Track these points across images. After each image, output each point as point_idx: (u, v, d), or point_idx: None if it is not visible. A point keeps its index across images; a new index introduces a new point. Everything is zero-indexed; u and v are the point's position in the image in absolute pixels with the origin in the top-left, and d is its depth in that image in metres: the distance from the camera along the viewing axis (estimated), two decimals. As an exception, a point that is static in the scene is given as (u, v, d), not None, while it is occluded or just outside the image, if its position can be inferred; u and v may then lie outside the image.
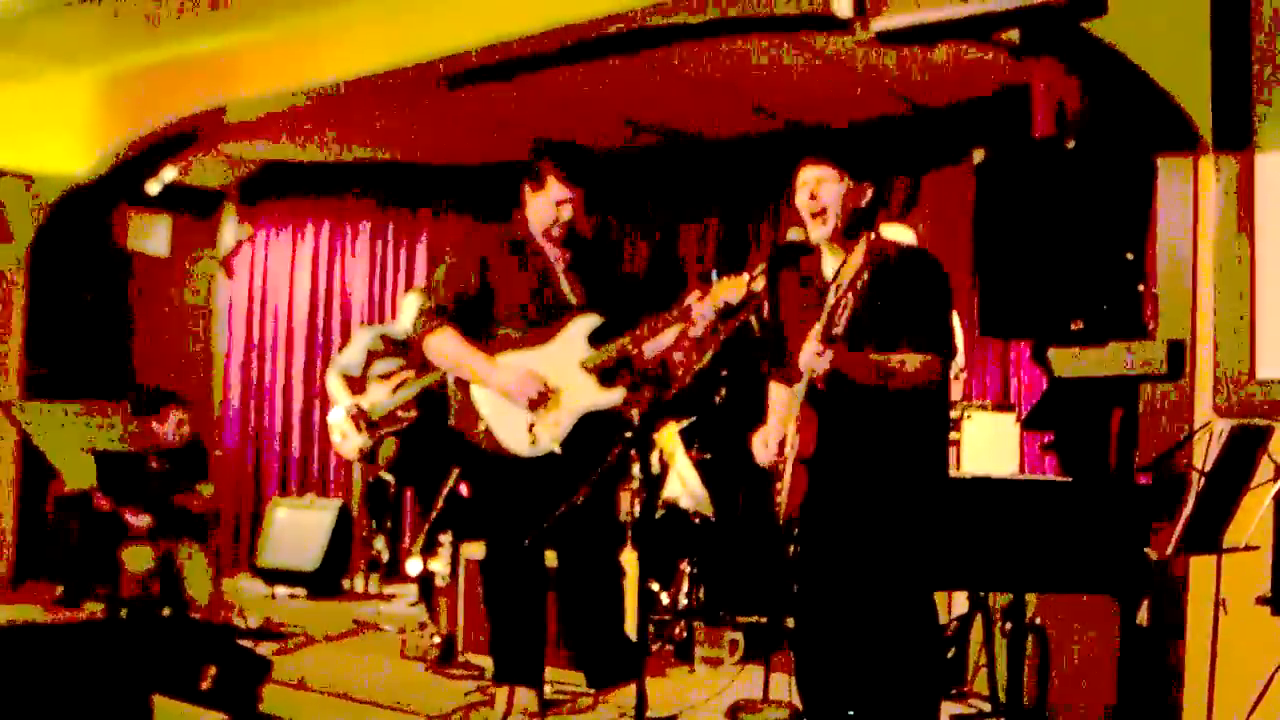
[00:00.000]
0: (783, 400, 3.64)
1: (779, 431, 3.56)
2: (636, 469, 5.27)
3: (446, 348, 4.45)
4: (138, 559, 5.85)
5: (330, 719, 4.53)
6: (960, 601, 4.85)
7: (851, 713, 3.49)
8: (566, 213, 4.43)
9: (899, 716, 3.47)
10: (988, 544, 3.14)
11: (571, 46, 5.26)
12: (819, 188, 3.53)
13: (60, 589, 6.62)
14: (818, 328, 3.38)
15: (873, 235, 3.57)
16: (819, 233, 3.55)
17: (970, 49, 5.22)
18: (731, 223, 7.58)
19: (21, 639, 3.76)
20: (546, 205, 4.44)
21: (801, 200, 3.56)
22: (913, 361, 3.43)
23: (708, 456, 5.94)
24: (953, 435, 5.22)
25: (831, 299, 3.40)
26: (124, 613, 5.70)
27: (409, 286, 8.33)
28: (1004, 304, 4.12)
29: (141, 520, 5.95)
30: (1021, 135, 4.68)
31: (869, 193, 3.57)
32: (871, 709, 3.47)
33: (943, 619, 4.81)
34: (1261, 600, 3.42)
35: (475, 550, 5.15)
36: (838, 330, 3.36)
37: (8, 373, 7.22)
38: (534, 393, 4.36)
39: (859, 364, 3.41)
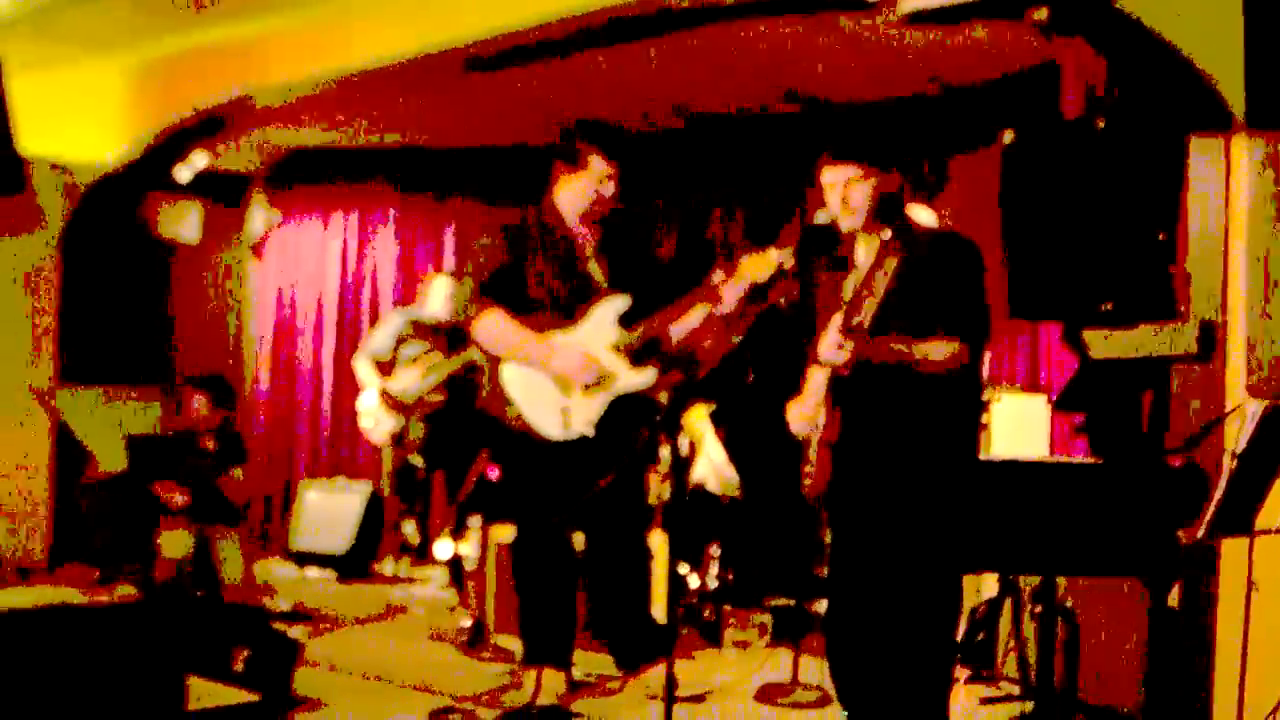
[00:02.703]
0: (821, 377, 3.64)
1: (814, 403, 3.56)
2: (665, 452, 5.27)
3: (498, 330, 4.44)
4: (175, 544, 5.90)
5: (361, 701, 4.56)
6: (990, 584, 4.84)
7: (874, 694, 3.50)
8: (610, 189, 4.45)
9: (908, 698, 3.48)
10: (1018, 527, 3.13)
11: (599, 29, 5.25)
12: (848, 191, 3.53)
13: (96, 571, 6.68)
14: (837, 318, 3.38)
15: (901, 222, 3.56)
16: (849, 223, 3.55)
17: (999, 29, 5.18)
18: (759, 203, 7.56)
19: (58, 620, 3.80)
20: (587, 185, 4.45)
21: (832, 201, 3.56)
22: (937, 350, 3.42)
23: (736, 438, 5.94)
24: (982, 418, 5.20)
25: (850, 291, 3.40)
26: (158, 595, 5.75)
27: (437, 271, 8.35)
28: (1033, 286, 4.10)
29: (179, 499, 5.98)
30: (1051, 115, 4.65)
31: (898, 179, 3.56)
32: (889, 688, 3.47)
33: (973, 602, 4.80)
34: (1294, 582, 3.40)
35: (504, 533, 5.17)
36: (858, 320, 3.36)
37: (42, 358, 7.28)
38: (592, 377, 4.38)
39: (880, 351, 3.41)
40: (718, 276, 4.27)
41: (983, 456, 4.63)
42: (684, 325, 4.43)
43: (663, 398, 4.56)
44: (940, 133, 6.58)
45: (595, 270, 4.53)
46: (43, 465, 7.26)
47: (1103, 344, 4.13)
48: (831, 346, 3.40)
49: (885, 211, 3.55)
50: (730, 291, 4.26)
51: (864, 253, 3.60)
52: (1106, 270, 4.00)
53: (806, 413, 3.54)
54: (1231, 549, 3.71)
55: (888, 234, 3.52)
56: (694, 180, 7.81)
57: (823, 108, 6.87)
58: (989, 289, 3.63)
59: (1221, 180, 3.94)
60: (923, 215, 5.07)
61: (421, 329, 7.15)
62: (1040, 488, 3.13)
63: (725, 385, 5.78)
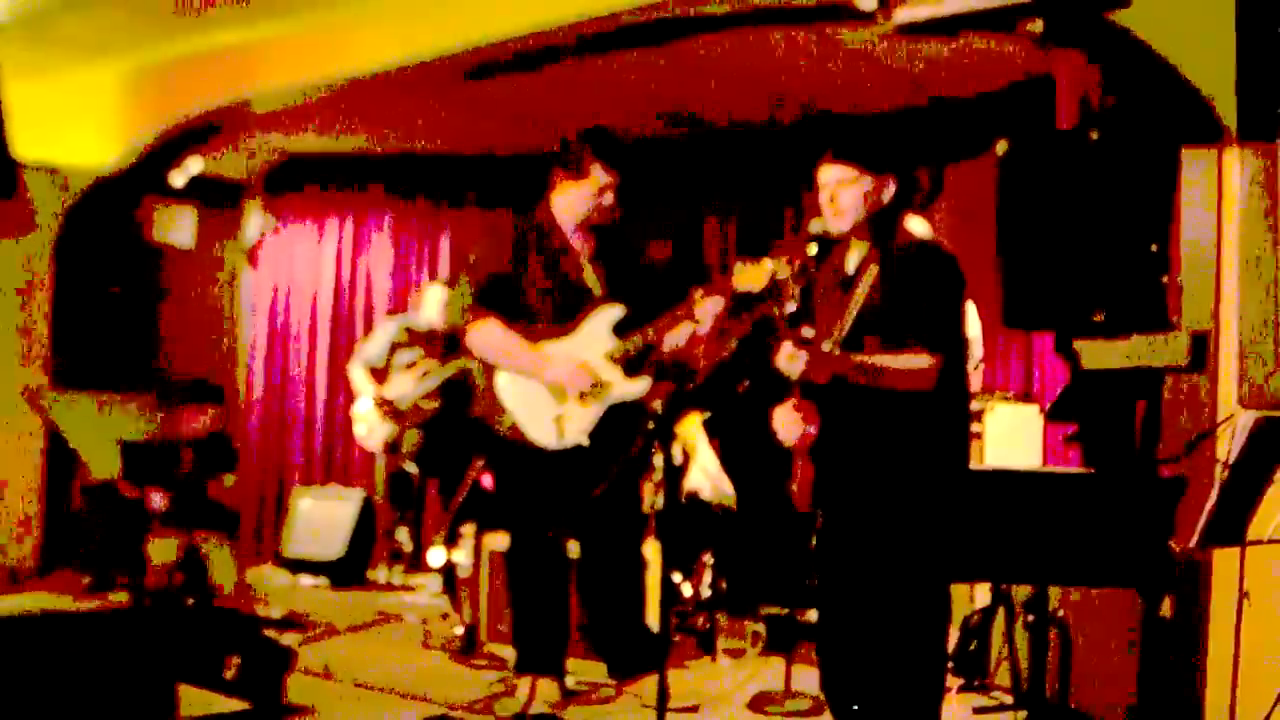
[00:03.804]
0: None
1: (793, 408, 3.56)
2: (659, 460, 5.27)
3: (493, 338, 4.44)
4: (163, 550, 5.89)
5: (353, 709, 4.55)
6: (983, 594, 4.84)
7: (865, 704, 3.50)
8: (609, 198, 4.46)
9: (900, 707, 3.48)
10: (1010, 536, 3.13)
11: (594, 38, 5.26)
12: (838, 190, 3.54)
13: (87, 577, 6.68)
14: (791, 333, 3.40)
15: (885, 231, 3.56)
16: (837, 227, 3.57)
17: (993, 40, 5.20)
18: (754, 212, 7.57)
19: (48, 627, 3.79)
20: (587, 193, 4.45)
21: (822, 201, 3.58)
22: (905, 361, 3.42)
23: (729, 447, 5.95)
24: (975, 427, 5.21)
25: (791, 307, 3.42)
26: (149, 602, 5.74)
27: (432, 278, 8.35)
28: (1027, 296, 4.11)
29: (161, 501, 5.96)
30: (1045, 127, 4.66)
31: (891, 186, 3.57)
32: (880, 698, 3.48)
33: (965, 611, 4.81)
34: (1285, 593, 3.41)
35: (498, 541, 5.17)
36: (812, 332, 3.38)
37: (35, 363, 7.27)
38: (587, 386, 4.38)
39: (832, 366, 3.42)
40: (697, 295, 4.28)
41: (975, 466, 4.64)
42: (673, 338, 4.44)
43: (656, 406, 4.56)
44: (935, 143, 6.59)
45: (591, 278, 4.53)
46: (34, 470, 7.25)
47: (1095, 354, 4.14)
48: (784, 357, 3.42)
49: (876, 219, 3.56)
50: (706, 310, 4.28)
51: (854, 261, 3.61)
52: (1099, 280, 4.00)
53: (789, 419, 3.54)
54: (1223, 559, 3.72)
55: (868, 243, 3.54)
56: (689, 189, 7.82)
57: (818, 118, 6.88)
58: (981, 297, 3.64)
59: (1214, 192, 3.95)
60: (917, 226, 5.09)
61: (416, 336, 7.15)
62: (1033, 497, 3.14)
63: (719, 394, 5.79)
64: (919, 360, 3.42)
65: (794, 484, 3.55)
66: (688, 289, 4.40)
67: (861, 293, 3.50)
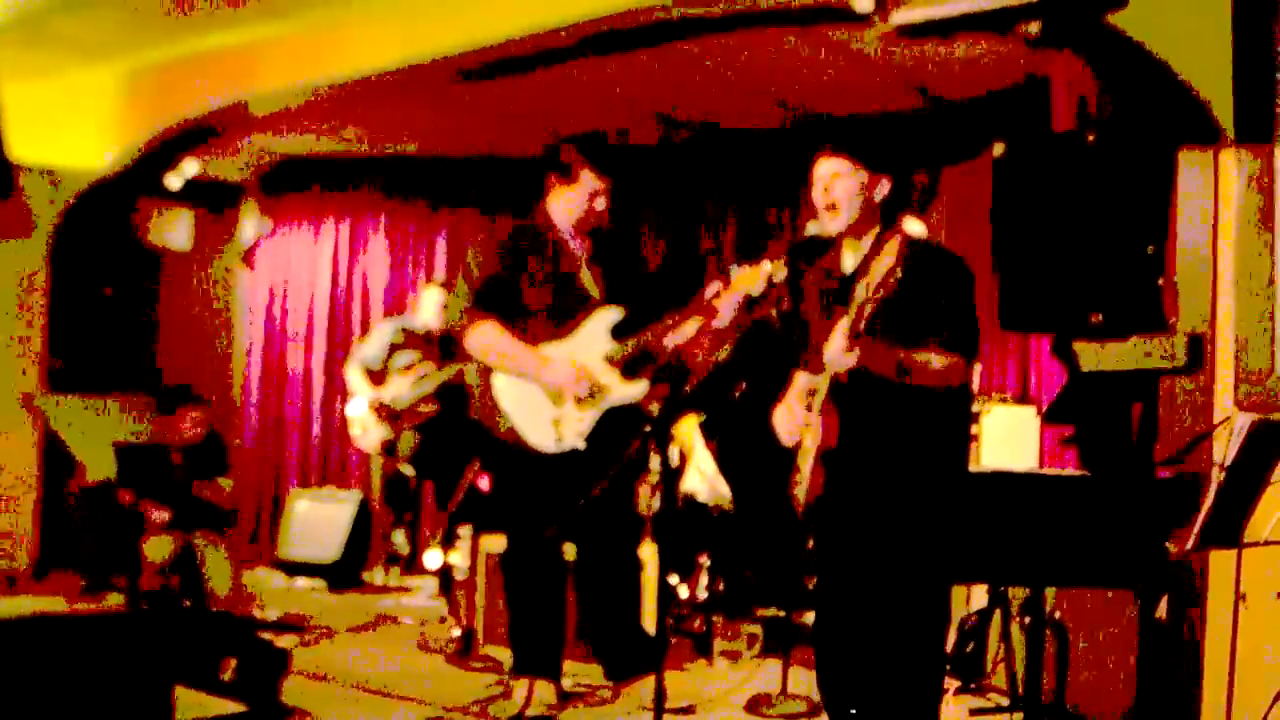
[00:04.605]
0: (805, 383, 3.62)
1: (800, 408, 3.54)
2: (655, 463, 5.27)
3: (491, 341, 4.44)
4: (158, 549, 5.90)
5: (349, 711, 4.55)
6: (980, 595, 4.84)
7: (862, 705, 3.49)
8: (601, 203, 4.46)
9: (897, 709, 3.47)
10: (1007, 538, 3.14)
11: (591, 39, 5.26)
12: (832, 182, 3.53)
13: (83, 580, 6.66)
14: (845, 323, 3.34)
15: (901, 231, 3.55)
16: (833, 225, 3.56)
17: (990, 42, 5.20)
18: (749, 215, 7.57)
19: (44, 630, 3.79)
20: (579, 198, 4.46)
21: (816, 194, 3.57)
22: (937, 360, 3.42)
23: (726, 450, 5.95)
24: (972, 429, 5.21)
25: (862, 294, 3.35)
26: (145, 604, 5.73)
27: (428, 279, 8.35)
28: (1023, 298, 4.12)
29: (161, 515, 5.99)
30: (1042, 129, 4.67)
31: (885, 185, 3.56)
32: (877, 700, 3.47)
33: (962, 613, 4.81)
34: (1282, 595, 3.42)
35: (494, 543, 5.17)
36: (863, 326, 3.35)
37: (31, 365, 7.26)
38: (585, 390, 4.38)
39: (882, 358, 3.40)
40: (712, 290, 4.27)
41: (973, 467, 4.64)
42: (677, 336, 4.43)
43: (653, 409, 4.56)
44: (932, 145, 6.59)
45: (588, 281, 4.53)
46: (30, 473, 7.24)
47: (1092, 356, 4.14)
48: (838, 351, 3.37)
49: (872, 218, 3.55)
50: (726, 304, 4.26)
51: (850, 259, 3.59)
52: (1096, 282, 4.01)
53: (796, 420, 3.53)
54: (1220, 561, 3.72)
55: (884, 243, 3.52)
56: (685, 191, 7.82)
57: (814, 120, 6.88)
58: (979, 301, 3.63)
59: (1210, 194, 3.96)
60: (914, 227, 5.08)
61: (413, 338, 7.15)
62: (1030, 499, 3.14)
63: (715, 397, 5.79)
64: (947, 358, 3.42)
65: (799, 488, 3.53)
66: (684, 291, 4.40)
67: (866, 292, 3.46)
